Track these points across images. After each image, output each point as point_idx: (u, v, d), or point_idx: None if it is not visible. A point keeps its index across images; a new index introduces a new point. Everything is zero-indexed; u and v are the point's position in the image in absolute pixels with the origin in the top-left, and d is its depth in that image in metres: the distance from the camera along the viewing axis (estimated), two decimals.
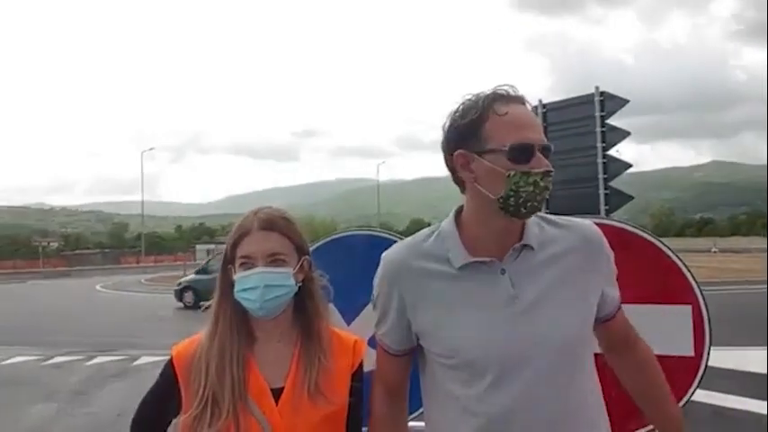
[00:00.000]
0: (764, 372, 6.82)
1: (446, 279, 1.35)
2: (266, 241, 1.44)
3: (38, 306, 21.80)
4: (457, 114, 1.33)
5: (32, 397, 7.53)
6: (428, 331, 1.38)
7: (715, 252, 45.54)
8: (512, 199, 1.26)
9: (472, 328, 1.32)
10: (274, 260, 1.44)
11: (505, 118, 1.27)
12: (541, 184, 1.26)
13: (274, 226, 1.46)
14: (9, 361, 10.13)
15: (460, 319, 1.33)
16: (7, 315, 18.75)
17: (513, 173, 1.25)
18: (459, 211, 1.40)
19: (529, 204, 1.26)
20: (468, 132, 1.30)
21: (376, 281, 1.45)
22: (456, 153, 1.33)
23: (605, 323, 1.44)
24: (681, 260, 1.78)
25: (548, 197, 1.30)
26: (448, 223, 1.40)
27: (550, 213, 1.46)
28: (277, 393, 1.43)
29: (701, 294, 1.81)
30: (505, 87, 1.31)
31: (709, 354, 1.77)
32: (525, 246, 1.33)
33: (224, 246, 1.52)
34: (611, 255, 1.42)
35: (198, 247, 61.64)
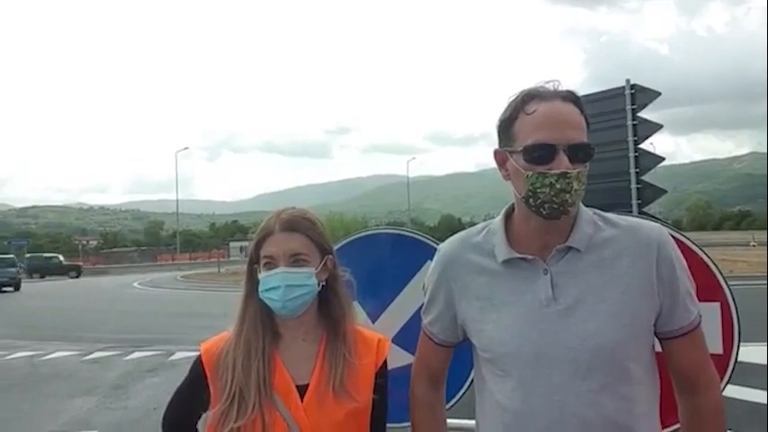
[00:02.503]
0: None
1: (490, 274, 1.37)
2: (288, 242, 1.47)
3: (78, 303, 22.32)
4: (502, 112, 1.35)
5: (72, 391, 7.77)
6: (470, 324, 1.41)
7: (754, 245, 44.25)
8: (530, 200, 1.27)
9: (507, 324, 1.33)
10: (296, 260, 1.47)
11: (530, 117, 1.27)
12: (557, 186, 1.24)
13: (296, 227, 1.49)
14: (50, 356, 10.43)
15: (498, 315, 1.34)
16: (48, 312, 19.29)
17: (530, 173, 1.26)
18: (511, 208, 1.40)
19: (547, 206, 1.25)
20: (503, 131, 1.33)
21: (429, 271, 1.50)
22: (495, 150, 1.36)
23: (669, 341, 1.34)
24: (708, 256, 1.74)
25: (570, 199, 1.24)
26: (498, 219, 1.41)
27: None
28: (302, 390, 1.45)
29: (730, 291, 1.77)
30: (545, 84, 1.31)
31: (738, 351, 1.74)
32: (570, 248, 1.31)
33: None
34: (677, 262, 1.32)
35: (231, 244, 62.58)
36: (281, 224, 1.48)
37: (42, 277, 42.69)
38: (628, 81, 6.75)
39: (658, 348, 1.37)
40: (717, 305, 1.80)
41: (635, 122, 6.56)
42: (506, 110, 1.32)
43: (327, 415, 1.44)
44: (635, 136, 6.58)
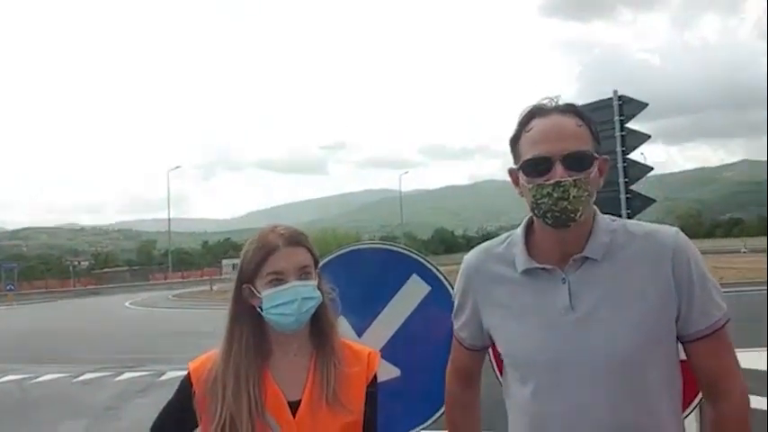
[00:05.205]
0: None
1: (510, 283, 1.42)
2: (295, 256, 1.47)
3: (69, 324, 22.11)
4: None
5: (62, 414, 7.69)
6: (493, 331, 1.47)
7: (744, 252, 44.48)
8: (536, 211, 1.33)
9: (527, 332, 1.37)
10: (304, 273, 1.47)
11: (529, 134, 1.34)
12: (555, 195, 1.28)
13: (299, 240, 1.49)
14: (40, 379, 10.32)
15: (518, 323, 1.39)
16: (38, 334, 19.11)
17: (531, 186, 1.32)
18: (530, 219, 1.44)
19: (549, 215, 1.30)
20: (512, 149, 1.40)
21: (457, 279, 1.57)
22: (509, 170, 1.42)
23: (688, 345, 1.35)
24: None
25: (570, 206, 1.29)
26: (519, 230, 1.45)
27: None
28: (295, 406, 1.44)
29: None
30: (544, 100, 1.37)
31: None
32: (587, 258, 1.34)
33: None
34: (694, 265, 1.32)
35: (224, 261, 62.27)
36: (285, 239, 1.47)
37: None
38: (615, 92, 6.82)
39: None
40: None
41: (623, 133, 6.63)
42: (514, 130, 1.39)
43: (321, 429, 1.43)
44: (623, 146, 6.65)
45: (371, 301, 2.15)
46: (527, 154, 1.33)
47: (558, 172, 1.28)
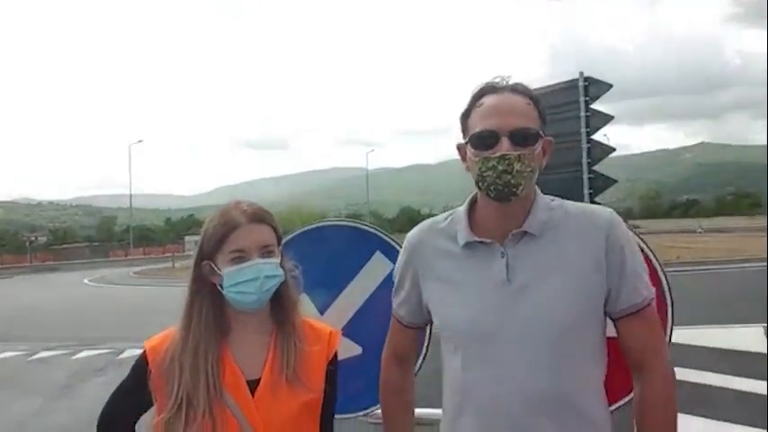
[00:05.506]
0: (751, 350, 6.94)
1: (451, 257, 1.45)
2: (259, 233, 1.45)
3: (24, 301, 21.62)
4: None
5: (17, 393, 7.54)
6: (432, 304, 1.50)
7: (701, 232, 45.94)
8: (480, 184, 1.37)
9: (465, 303, 1.40)
10: (267, 251, 1.45)
11: (480, 109, 1.39)
12: (499, 167, 1.33)
13: (263, 218, 1.48)
14: None
15: (457, 295, 1.42)
16: None
17: (477, 159, 1.36)
18: (474, 197, 1.48)
19: (493, 188, 1.34)
20: (462, 124, 1.45)
21: (399, 255, 1.60)
22: (457, 145, 1.46)
23: (618, 321, 1.40)
24: (646, 244, 1.80)
25: (513, 180, 1.32)
26: (463, 206, 1.49)
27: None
28: (254, 385, 1.43)
29: (666, 277, 1.83)
30: (497, 79, 1.42)
31: (671, 335, 1.79)
32: (526, 232, 1.38)
33: None
34: (626, 244, 1.38)
35: (187, 238, 61.47)
36: (248, 216, 1.45)
37: None
38: (581, 73, 6.88)
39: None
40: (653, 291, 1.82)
41: (588, 114, 6.71)
42: (466, 106, 1.43)
43: (281, 408, 1.42)
44: (587, 127, 6.74)
45: (334, 279, 2.14)
46: (476, 127, 1.37)
47: (505, 146, 1.33)
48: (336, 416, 1.60)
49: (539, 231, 1.38)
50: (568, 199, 1.46)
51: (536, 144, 1.37)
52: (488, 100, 1.38)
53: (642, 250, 1.59)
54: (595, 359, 1.40)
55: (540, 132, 1.39)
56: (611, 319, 1.40)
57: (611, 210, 1.42)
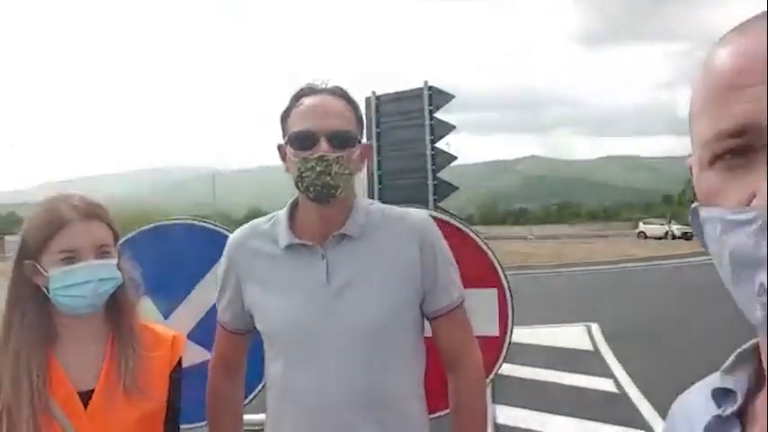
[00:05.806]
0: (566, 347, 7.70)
1: (272, 259, 1.44)
2: (92, 232, 1.32)
3: None
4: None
5: None
6: (253, 308, 1.47)
7: (531, 239, 50.07)
8: (299, 184, 1.37)
9: (285, 306, 1.40)
10: (103, 252, 1.33)
11: (298, 110, 1.39)
12: (318, 168, 1.34)
13: (98, 214, 1.35)
14: None
15: (277, 297, 1.42)
16: None
17: (296, 159, 1.37)
18: (296, 200, 1.48)
19: (312, 188, 1.35)
20: (282, 125, 1.43)
21: (221, 258, 1.55)
22: (278, 145, 1.45)
23: (433, 321, 1.46)
24: (488, 247, 1.92)
25: (332, 181, 1.35)
26: (284, 209, 1.48)
27: (384, 203, 1.54)
28: (87, 396, 1.31)
29: (506, 279, 1.96)
30: (317, 81, 1.43)
31: (512, 333, 1.93)
32: (345, 235, 1.40)
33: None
34: (438, 248, 1.44)
35: (7, 238, 55.08)
36: (80, 212, 1.31)
37: None
38: (426, 83, 7.22)
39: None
40: (495, 291, 1.99)
41: (432, 122, 7.05)
42: (285, 106, 1.43)
43: (117, 421, 1.32)
44: (432, 135, 7.09)
45: (179, 282, 2.06)
46: (295, 127, 1.38)
47: (323, 147, 1.34)
48: (183, 426, 1.53)
49: (357, 234, 1.41)
50: (415, 204, 1.52)
51: (354, 147, 1.39)
52: (308, 101, 1.39)
53: (486, 255, 1.70)
54: (413, 358, 1.44)
55: (358, 137, 1.42)
56: (427, 319, 1.46)
57: (427, 213, 1.48)
